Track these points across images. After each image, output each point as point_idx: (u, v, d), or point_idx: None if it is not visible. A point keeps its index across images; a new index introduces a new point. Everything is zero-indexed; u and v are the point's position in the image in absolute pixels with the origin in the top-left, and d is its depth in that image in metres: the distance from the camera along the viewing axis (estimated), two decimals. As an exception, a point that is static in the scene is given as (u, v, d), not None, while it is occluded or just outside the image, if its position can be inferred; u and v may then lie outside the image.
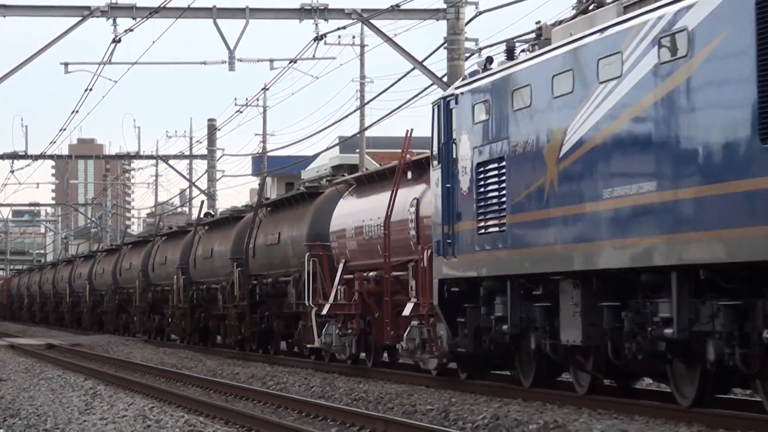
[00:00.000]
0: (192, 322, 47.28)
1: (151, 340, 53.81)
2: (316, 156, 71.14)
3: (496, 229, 21.83)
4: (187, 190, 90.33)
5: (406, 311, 26.52)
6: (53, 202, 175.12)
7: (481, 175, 22.47)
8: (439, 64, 36.45)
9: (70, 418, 20.83)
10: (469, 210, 22.86)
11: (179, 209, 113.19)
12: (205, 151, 71.54)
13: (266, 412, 22.85)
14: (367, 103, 57.96)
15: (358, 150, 59.65)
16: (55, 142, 77.59)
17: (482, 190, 22.43)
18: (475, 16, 35.46)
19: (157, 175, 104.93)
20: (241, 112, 68.08)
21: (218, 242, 44.80)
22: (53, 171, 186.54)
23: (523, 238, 21.01)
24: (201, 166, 75.60)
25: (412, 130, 29.29)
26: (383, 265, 28.28)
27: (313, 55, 52.49)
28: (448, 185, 23.66)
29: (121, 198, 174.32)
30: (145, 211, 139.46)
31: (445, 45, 35.17)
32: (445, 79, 35.15)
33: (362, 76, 60.82)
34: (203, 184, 71.28)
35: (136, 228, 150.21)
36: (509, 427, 18.08)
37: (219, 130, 70.82)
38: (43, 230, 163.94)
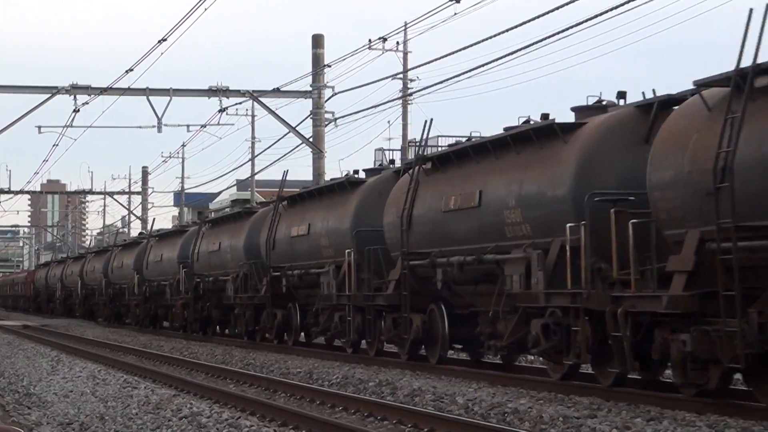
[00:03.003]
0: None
1: (110, 323, 49.53)
2: (219, 193, 71.09)
3: None
4: (127, 216, 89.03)
5: None
6: (29, 224, 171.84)
7: None
8: (307, 129, 36.41)
9: (40, 377, 20.40)
10: None
11: (121, 230, 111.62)
12: (139, 189, 71.43)
13: (182, 373, 22.59)
14: (256, 156, 57.63)
15: (250, 188, 59.45)
16: (30, 182, 76.88)
17: None
18: (332, 96, 35.73)
19: (105, 206, 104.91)
20: (166, 161, 68.28)
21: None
22: (29, 202, 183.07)
23: None
24: (136, 199, 74.68)
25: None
26: None
27: (218, 122, 52.75)
28: None
29: (78, 222, 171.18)
30: (96, 231, 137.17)
31: (311, 116, 35.34)
32: (311, 140, 35.18)
33: (253, 137, 60.45)
34: (139, 212, 70.67)
35: (88, 243, 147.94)
36: (354, 383, 18.05)
37: (150, 174, 70.81)
38: (21, 244, 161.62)
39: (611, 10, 22.08)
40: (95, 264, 54.39)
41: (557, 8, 23.25)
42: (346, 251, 22.56)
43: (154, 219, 50.49)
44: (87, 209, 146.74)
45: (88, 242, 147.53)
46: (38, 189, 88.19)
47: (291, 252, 26.48)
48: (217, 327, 34.73)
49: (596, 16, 22.69)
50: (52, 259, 77.53)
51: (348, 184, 23.96)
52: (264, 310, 28.25)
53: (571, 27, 23.65)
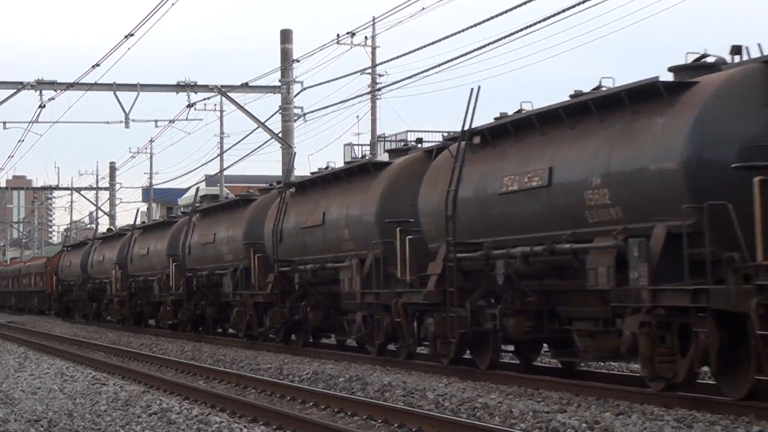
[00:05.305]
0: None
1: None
2: (188, 189, 70.91)
3: None
4: (94, 212, 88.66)
5: None
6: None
7: None
8: (276, 124, 36.30)
9: (7, 374, 20.27)
10: None
11: (88, 226, 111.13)
12: (107, 185, 71.21)
13: (152, 369, 22.51)
14: (225, 151, 57.48)
15: (218, 184, 59.35)
16: (-4, 177, 76.48)
17: None
18: (301, 91, 35.64)
19: (72, 201, 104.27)
20: (134, 157, 68.10)
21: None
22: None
23: None
24: (104, 195, 74.35)
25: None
26: None
27: (186, 117, 52.50)
28: None
29: (44, 218, 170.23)
30: (63, 227, 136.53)
31: (280, 111, 35.28)
32: (280, 135, 35.13)
33: (221, 132, 60.30)
34: (107, 208, 70.41)
35: (56, 239, 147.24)
36: (325, 379, 18.05)
37: (118, 169, 70.61)
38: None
39: (579, 4, 22.16)
40: (71, 258, 50.98)
41: (525, 3, 23.33)
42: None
43: (138, 209, 48.19)
44: (54, 205, 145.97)
45: (55, 238, 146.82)
46: (3, 185, 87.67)
47: (302, 244, 23.53)
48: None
49: (564, 11, 22.78)
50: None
51: (371, 167, 21.30)
52: (268, 309, 25.29)
53: (540, 21, 23.74)
